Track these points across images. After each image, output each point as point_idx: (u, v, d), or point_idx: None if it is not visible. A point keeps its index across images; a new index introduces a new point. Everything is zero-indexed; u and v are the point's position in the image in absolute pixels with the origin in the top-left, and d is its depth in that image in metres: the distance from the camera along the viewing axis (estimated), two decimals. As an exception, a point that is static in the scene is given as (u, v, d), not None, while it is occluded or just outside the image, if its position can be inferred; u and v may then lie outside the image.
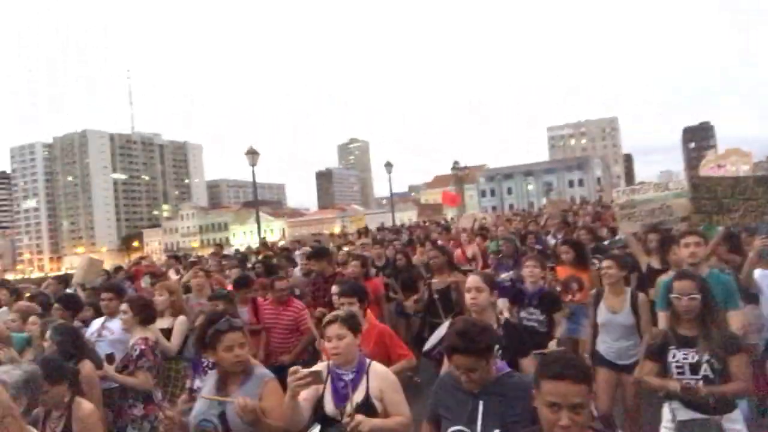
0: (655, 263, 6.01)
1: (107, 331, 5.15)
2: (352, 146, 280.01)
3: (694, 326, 3.43)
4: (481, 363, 2.61)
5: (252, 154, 21.83)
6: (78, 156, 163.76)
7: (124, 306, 4.80)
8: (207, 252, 23.16)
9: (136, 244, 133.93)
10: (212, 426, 2.95)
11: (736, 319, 4.16)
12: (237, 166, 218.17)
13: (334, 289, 5.26)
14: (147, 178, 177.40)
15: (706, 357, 3.32)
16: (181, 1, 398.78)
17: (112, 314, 5.24)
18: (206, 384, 3.23)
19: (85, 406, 3.22)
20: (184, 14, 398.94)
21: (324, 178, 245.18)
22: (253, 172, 22.31)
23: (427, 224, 19.30)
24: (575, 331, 5.49)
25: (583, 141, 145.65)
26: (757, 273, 4.98)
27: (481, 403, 2.63)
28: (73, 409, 3.19)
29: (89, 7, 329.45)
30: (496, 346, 3.34)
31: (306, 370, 2.84)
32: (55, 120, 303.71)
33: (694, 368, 3.34)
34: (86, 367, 3.93)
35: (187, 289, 7.08)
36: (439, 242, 10.68)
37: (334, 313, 3.53)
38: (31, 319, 5.14)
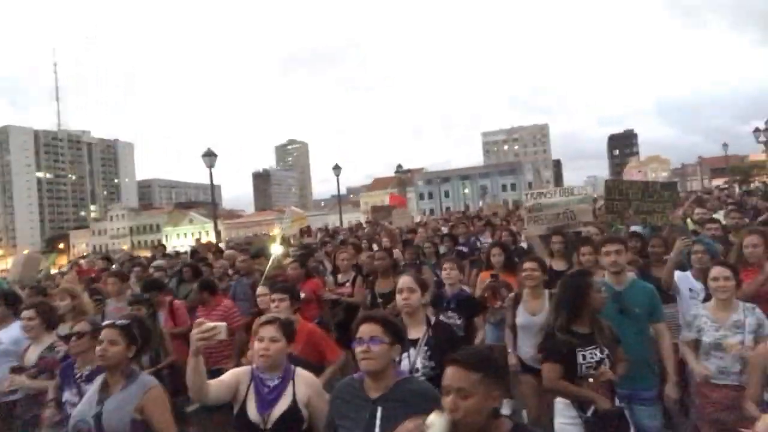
0: (558, 265, 6.14)
1: None
2: (291, 147, 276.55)
3: (586, 322, 3.51)
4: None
5: (209, 156, 21.27)
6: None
7: (29, 312, 4.51)
8: (143, 254, 22.68)
9: (61, 246, 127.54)
10: (87, 426, 3.00)
11: (665, 333, 4.15)
12: (168, 166, 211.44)
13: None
14: (74, 177, 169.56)
15: (606, 352, 3.44)
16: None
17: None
18: (93, 385, 3.26)
19: None
20: (119, 6, 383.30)
21: (261, 179, 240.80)
22: (210, 174, 21.72)
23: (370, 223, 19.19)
24: (504, 338, 5.29)
25: (516, 147, 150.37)
26: (676, 275, 5.04)
27: (379, 409, 2.55)
28: None
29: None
30: (425, 348, 3.40)
31: (210, 324, 2.77)
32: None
33: (599, 365, 3.42)
34: None
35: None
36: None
37: (273, 314, 3.49)
38: None
